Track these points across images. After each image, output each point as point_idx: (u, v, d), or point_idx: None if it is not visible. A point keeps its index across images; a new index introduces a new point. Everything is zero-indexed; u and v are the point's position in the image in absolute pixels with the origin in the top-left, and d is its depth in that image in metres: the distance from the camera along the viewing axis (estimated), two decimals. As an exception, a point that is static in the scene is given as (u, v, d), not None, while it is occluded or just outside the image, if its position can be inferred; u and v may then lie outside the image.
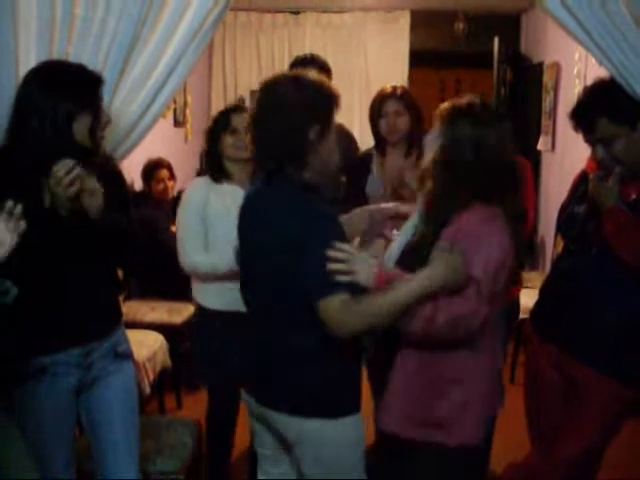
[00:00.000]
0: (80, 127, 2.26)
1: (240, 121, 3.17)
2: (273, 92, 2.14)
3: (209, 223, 3.14)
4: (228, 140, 3.17)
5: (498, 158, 2.18)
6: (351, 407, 2.22)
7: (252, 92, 7.22)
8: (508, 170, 2.21)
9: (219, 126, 3.21)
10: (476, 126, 2.18)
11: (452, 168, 2.19)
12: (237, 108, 3.31)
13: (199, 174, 3.26)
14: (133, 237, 2.51)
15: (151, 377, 4.01)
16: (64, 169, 2.13)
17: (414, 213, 2.43)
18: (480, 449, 2.31)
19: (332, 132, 2.18)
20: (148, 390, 3.95)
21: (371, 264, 2.06)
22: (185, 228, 3.19)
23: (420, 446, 2.25)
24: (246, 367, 2.37)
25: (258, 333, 2.28)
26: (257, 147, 2.20)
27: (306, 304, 2.07)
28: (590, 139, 2.52)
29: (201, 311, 3.34)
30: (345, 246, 2.04)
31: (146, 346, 4.06)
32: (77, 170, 2.14)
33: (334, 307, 2.00)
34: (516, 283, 3.21)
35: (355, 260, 2.03)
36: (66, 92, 2.25)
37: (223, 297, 3.11)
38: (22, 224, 1.99)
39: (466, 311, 2.05)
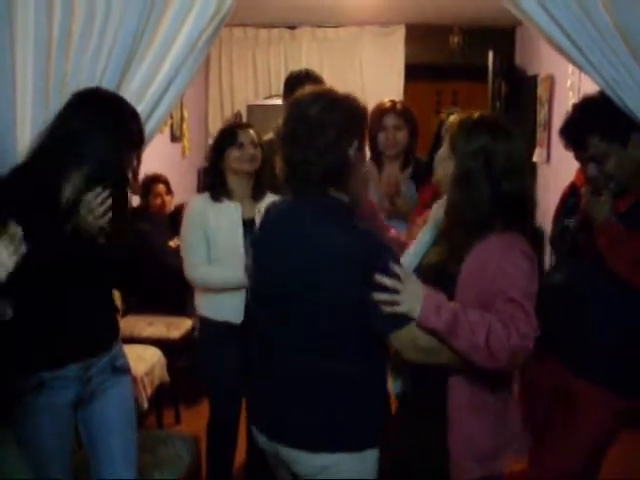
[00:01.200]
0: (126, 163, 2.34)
1: (246, 137, 3.25)
2: (307, 110, 2.03)
3: (211, 240, 3.19)
4: (234, 153, 3.22)
5: (510, 175, 2.11)
6: (375, 439, 2.13)
7: (249, 107, 7.26)
8: (521, 189, 2.15)
9: (226, 141, 3.26)
10: (491, 140, 2.12)
11: (465, 184, 2.12)
12: (242, 125, 3.40)
13: (199, 190, 3.33)
14: (135, 261, 2.54)
15: (149, 392, 4.01)
16: (99, 199, 2.17)
17: (431, 218, 2.38)
18: None
19: (365, 147, 2.15)
20: (146, 405, 3.96)
21: (417, 293, 1.95)
22: (189, 243, 3.24)
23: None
24: (258, 402, 2.26)
25: (278, 364, 2.13)
26: (291, 167, 2.08)
27: (350, 330, 2.02)
28: (582, 157, 2.53)
29: (204, 322, 3.36)
30: (396, 270, 1.95)
31: (144, 361, 4.07)
32: (110, 201, 2.18)
33: (409, 334, 1.96)
34: None
35: (402, 289, 1.94)
36: (123, 130, 2.31)
37: (228, 309, 3.14)
38: (23, 248, 1.95)
39: (520, 340, 1.95)
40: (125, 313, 4.88)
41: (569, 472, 2.61)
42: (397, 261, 2.01)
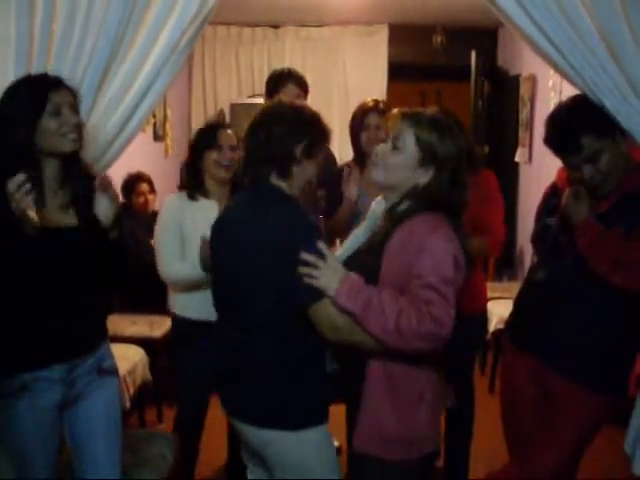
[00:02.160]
0: (41, 132, 2.26)
1: (225, 138, 3.22)
2: (269, 109, 2.30)
3: (186, 238, 3.17)
4: (213, 156, 3.20)
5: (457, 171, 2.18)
6: (315, 420, 2.25)
7: (232, 105, 7.24)
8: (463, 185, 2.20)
9: (204, 142, 3.23)
10: (457, 141, 2.18)
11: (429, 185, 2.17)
12: (223, 125, 3.36)
13: (180, 188, 3.31)
14: (125, 255, 2.54)
15: (131, 391, 4.01)
16: (14, 184, 2.12)
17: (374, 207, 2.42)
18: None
19: (316, 161, 2.29)
20: (128, 404, 3.94)
21: (337, 273, 2.07)
22: (164, 242, 3.23)
23: (387, 463, 2.22)
24: (218, 377, 2.43)
25: (225, 343, 2.34)
26: (246, 154, 2.30)
27: (285, 313, 2.16)
28: (574, 161, 2.50)
29: (179, 321, 3.35)
30: (321, 249, 2.08)
31: (126, 360, 4.06)
32: (28, 186, 2.13)
33: (325, 310, 2.08)
34: None
35: (323, 266, 2.05)
36: (23, 99, 2.24)
37: (202, 307, 3.12)
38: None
39: (433, 325, 1.99)
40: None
41: (549, 469, 2.63)
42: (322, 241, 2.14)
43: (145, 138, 6.17)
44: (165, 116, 6.78)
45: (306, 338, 2.19)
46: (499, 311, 4.83)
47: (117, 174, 4.84)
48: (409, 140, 2.17)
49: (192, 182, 3.26)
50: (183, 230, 3.18)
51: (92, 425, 2.50)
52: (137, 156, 5.09)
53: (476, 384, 3.66)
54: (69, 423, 2.49)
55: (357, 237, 2.43)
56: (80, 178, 2.36)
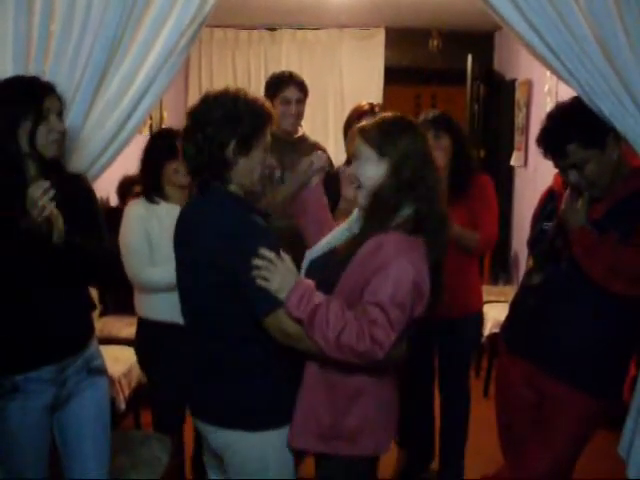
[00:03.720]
0: (21, 134, 2.26)
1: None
2: (199, 107, 2.18)
3: (154, 242, 3.18)
4: (172, 165, 3.21)
5: (418, 173, 2.16)
6: (277, 421, 2.23)
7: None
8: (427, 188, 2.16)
9: (165, 151, 3.25)
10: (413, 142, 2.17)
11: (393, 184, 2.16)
12: (180, 133, 3.34)
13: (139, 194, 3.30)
14: (107, 256, 2.53)
15: (126, 392, 4.00)
16: (39, 191, 2.13)
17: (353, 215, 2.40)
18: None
19: (258, 149, 2.19)
20: (123, 406, 3.94)
21: (289, 280, 2.06)
22: (135, 248, 3.20)
23: (330, 458, 2.25)
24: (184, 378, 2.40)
25: (189, 345, 2.32)
26: (185, 161, 2.24)
27: (233, 317, 2.15)
28: (561, 165, 2.53)
29: (147, 325, 3.33)
30: (269, 254, 2.05)
31: (122, 362, 4.06)
32: (52, 192, 2.14)
33: (279, 320, 2.07)
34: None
35: (275, 271, 2.04)
36: (6, 101, 2.26)
37: (170, 309, 3.09)
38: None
39: (370, 346, 2.01)
40: (103, 314, 4.85)
41: (543, 472, 2.63)
42: (275, 248, 2.09)
43: (142, 140, 6.14)
44: (162, 118, 6.77)
45: (269, 341, 2.14)
46: (494, 315, 4.84)
47: (113, 176, 4.84)
48: (360, 144, 2.21)
49: (151, 187, 3.28)
50: (151, 235, 3.19)
51: (81, 425, 2.52)
52: (134, 158, 5.08)
53: (471, 387, 3.66)
54: (59, 423, 2.50)
55: (338, 232, 2.40)
56: (61, 183, 2.33)
